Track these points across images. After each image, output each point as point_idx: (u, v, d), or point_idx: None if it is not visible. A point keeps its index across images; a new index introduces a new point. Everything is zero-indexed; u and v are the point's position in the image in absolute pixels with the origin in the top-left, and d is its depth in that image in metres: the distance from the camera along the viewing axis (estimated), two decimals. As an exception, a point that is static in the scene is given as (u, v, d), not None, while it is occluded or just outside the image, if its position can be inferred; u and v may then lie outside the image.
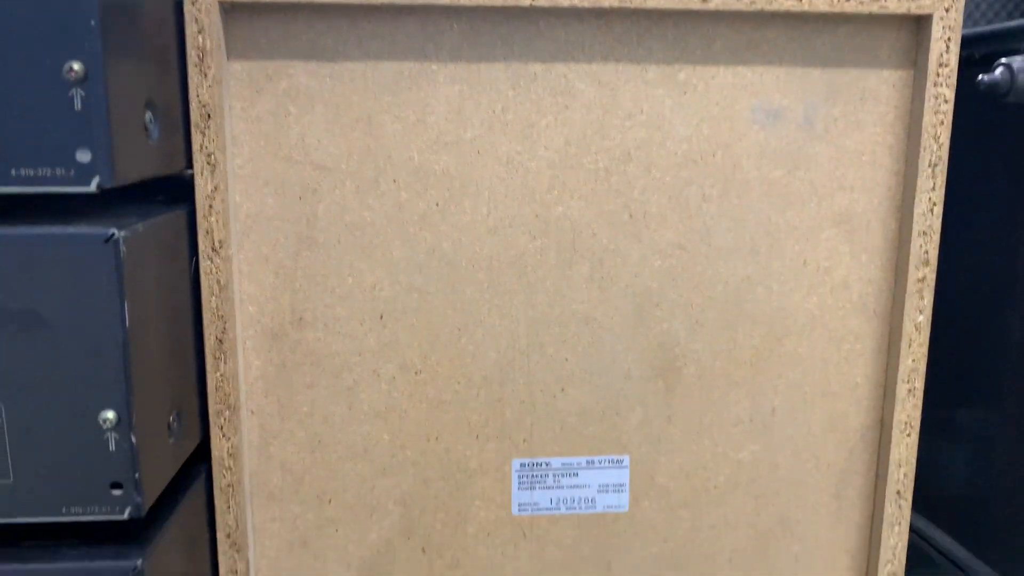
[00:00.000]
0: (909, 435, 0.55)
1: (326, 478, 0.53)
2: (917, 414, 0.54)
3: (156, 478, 0.43)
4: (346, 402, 0.53)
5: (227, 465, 0.51)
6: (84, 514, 0.40)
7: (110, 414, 0.39)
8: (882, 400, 0.55)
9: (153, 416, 0.42)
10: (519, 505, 0.55)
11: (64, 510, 0.40)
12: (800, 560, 0.57)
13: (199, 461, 0.53)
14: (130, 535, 0.42)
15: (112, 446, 0.40)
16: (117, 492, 0.40)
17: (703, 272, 0.53)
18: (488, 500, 0.55)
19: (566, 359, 0.53)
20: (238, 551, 0.52)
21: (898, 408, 0.54)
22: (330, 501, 0.54)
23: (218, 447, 0.51)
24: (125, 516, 0.40)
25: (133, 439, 0.40)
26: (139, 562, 0.40)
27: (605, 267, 0.52)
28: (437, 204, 0.51)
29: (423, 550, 0.55)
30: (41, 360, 0.39)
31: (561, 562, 0.56)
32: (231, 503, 0.52)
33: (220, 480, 0.52)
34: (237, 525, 0.52)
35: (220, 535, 0.52)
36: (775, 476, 0.56)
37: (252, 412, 0.52)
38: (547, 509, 0.55)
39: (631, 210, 0.52)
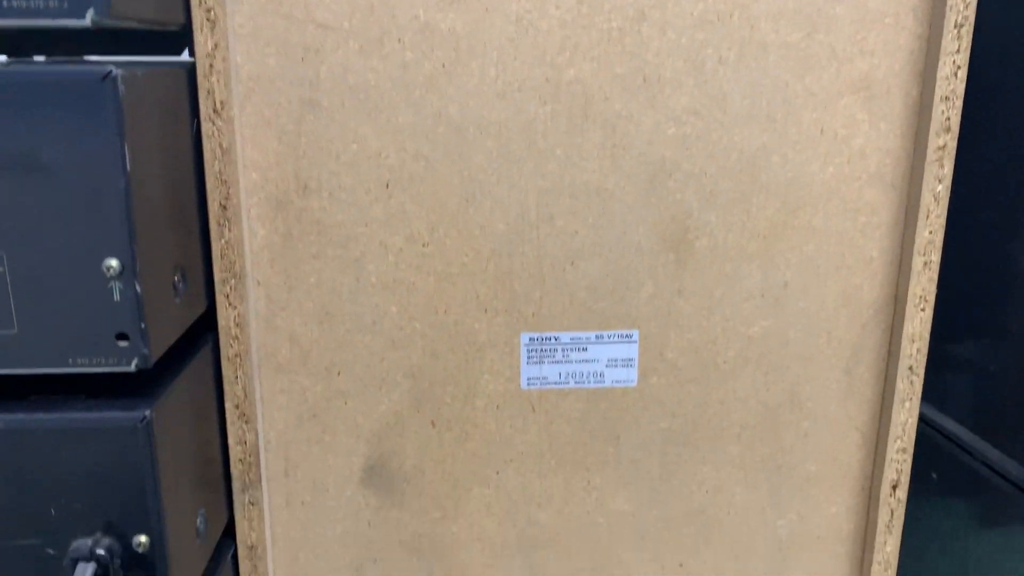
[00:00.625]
0: (923, 309, 0.54)
1: (334, 350, 0.53)
2: (932, 288, 0.54)
3: (162, 333, 0.42)
4: (353, 274, 0.52)
5: (234, 335, 0.51)
6: (90, 365, 0.40)
7: (113, 262, 0.39)
8: (897, 274, 0.55)
9: (157, 269, 0.42)
10: (528, 379, 0.55)
11: (70, 361, 0.40)
12: (809, 436, 0.57)
13: (206, 330, 0.52)
14: (138, 389, 0.42)
15: (117, 295, 0.39)
16: (123, 343, 0.40)
17: (718, 140, 0.52)
18: (497, 374, 0.54)
19: (576, 231, 0.52)
20: (247, 422, 0.52)
21: (913, 282, 0.54)
22: (339, 373, 0.54)
23: (224, 316, 0.51)
24: (132, 368, 0.40)
25: (137, 288, 0.39)
26: (147, 413, 0.40)
27: (618, 134, 0.51)
28: (443, 65, 0.49)
29: (432, 423, 0.55)
30: (41, 205, 0.38)
31: (569, 436, 0.56)
32: (239, 373, 0.52)
33: (227, 350, 0.51)
34: (245, 395, 0.52)
35: (228, 405, 0.52)
36: (786, 351, 0.55)
37: (258, 283, 0.52)
38: (556, 383, 0.55)
39: (645, 74, 0.50)
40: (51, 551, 0.41)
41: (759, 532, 0.59)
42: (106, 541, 0.41)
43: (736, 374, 0.56)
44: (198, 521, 0.48)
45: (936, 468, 0.68)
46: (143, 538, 0.42)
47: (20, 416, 0.40)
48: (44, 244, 0.38)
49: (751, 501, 0.58)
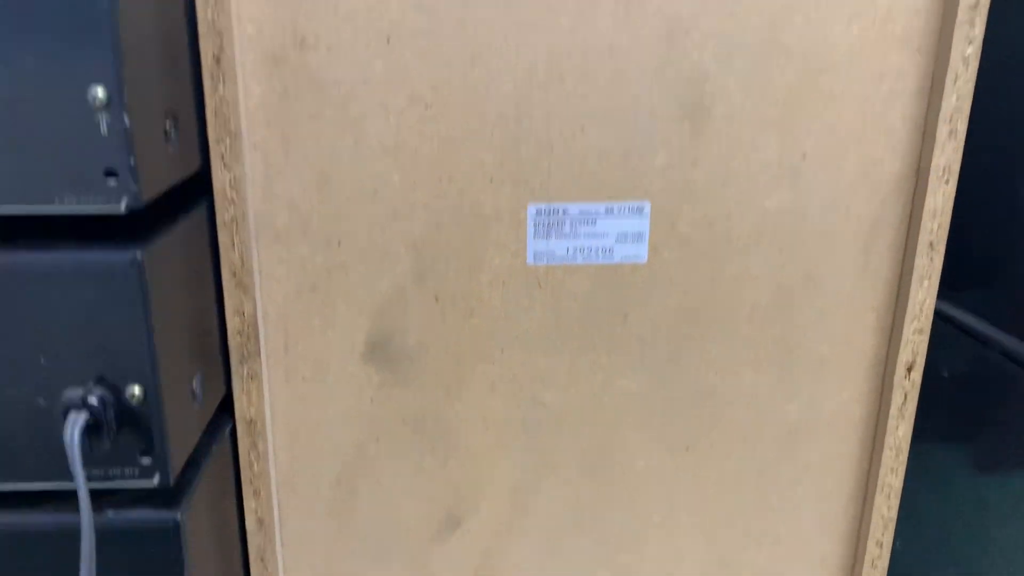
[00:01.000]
0: (947, 182, 0.52)
1: (335, 219, 0.51)
2: (957, 158, 0.51)
3: (153, 175, 0.40)
4: (353, 136, 0.50)
5: (230, 198, 0.49)
6: (78, 204, 0.38)
7: (99, 91, 0.36)
8: (920, 145, 0.52)
9: (146, 108, 0.39)
10: (534, 254, 0.53)
11: (56, 199, 0.38)
12: (824, 316, 0.55)
13: (201, 194, 0.50)
14: (129, 233, 0.40)
15: (104, 128, 0.37)
16: (112, 181, 0.38)
17: (738, -4, 0.49)
18: (503, 248, 0.52)
19: (586, 94, 0.50)
20: (244, 291, 0.51)
21: (937, 152, 0.51)
22: (339, 244, 0.52)
23: (219, 178, 0.49)
24: (122, 207, 0.38)
25: (126, 120, 0.37)
26: (139, 254, 0.38)
27: (632, -12, 0.48)
28: (449, -90, 0.46)
29: (436, 298, 0.53)
30: (21, 24, 0.35)
31: (576, 313, 0.54)
32: (235, 239, 0.50)
33: (223, 214, 0.49)
34: (243, 263, 0.50)
35: (225, 273, 0.50)
36: (802, 226, 0.53)
37: (255, 146, 0.49)
38: (563, 259, 0.53)
39: (662, -78, 0.47)
40: (42, 401, 0.40)
41: (768, 416, 0.57)
42: (99, 391, 0.40)
43: (750, 250, 0.54)
44: (194, 383, 0.47)
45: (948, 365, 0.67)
46: (136, 389, 0.40)
47: (4, 258, 0.38)
48: (24, 67, 0.36)
49: (761, 384, 0.57)
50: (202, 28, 0.45)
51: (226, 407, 0.54)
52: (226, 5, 0.46)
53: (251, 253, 0.50)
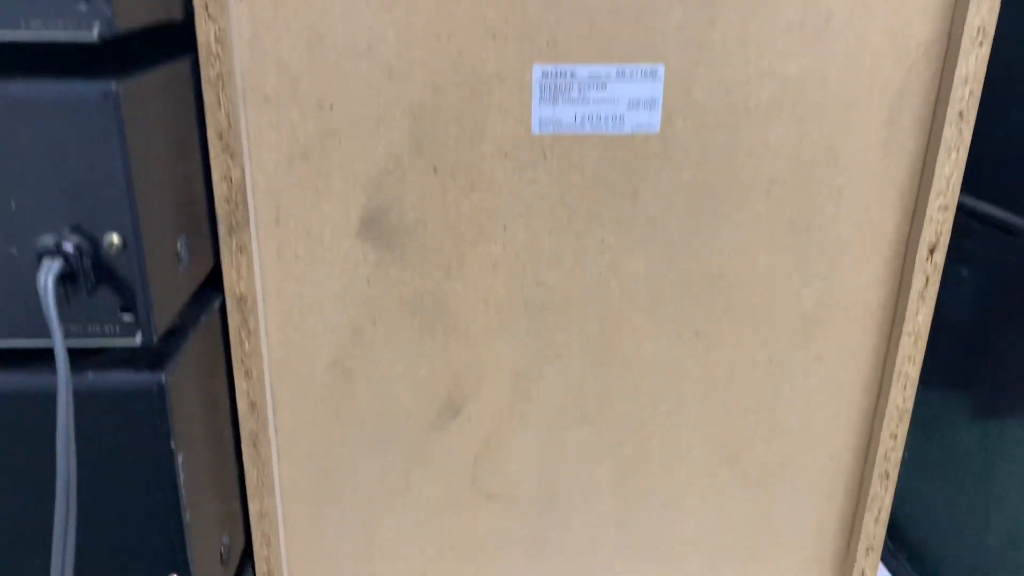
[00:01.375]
0: (982, 44, 0.49)
1: (326, 80, 0.48)
2: (993, 20, 0.48)
3: (130, 5, 0.37)
4: (346, -12, 0.46)
5: (215, 52, 0.46)
6: (46, 29, 0.35)
7: None
8: (953, 5, 0.49)
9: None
10: (540, 121, 0.50)
11: (23, 24, 0.35)
12: (843, 193, 0.53)
13: (185, 51, 0.47)
14: (104, 67, 0.37)
15: (70, -60, 0.34)
16: (82, 5, 0.35)
17: None
18: (506, 113, 0.49)
19: (598, -58, 0.46)
20: (232, 156, 0.48)
21: (971, 12, 0.48)
22: (331, 108, 0.49)
23: (203, 30, 0.45)
24: (94, 35, 0.35)
25: (94, -69, 0.34)
26: (114, 86, 0.35)
27: None
28: None
29: (434, 169, 0.50)
30: None
31: (583, 189, 0.51)
32: (221, 98, 0.47)
33: (208, 71, 0.46)
34: (229, 125, 0.47)
35: (211, 135, 0.47)
36: (824, 95, 0.50)
37: (240, -6, 0.46)
38: (570, 128, 0.50)
39: None
40: (14, 250, 0.38)
41: (782, 300, 0.55)
42: (74, 238, 0.37)
43: (769, 120, 0.51)
44: (179, 245, 0.44)
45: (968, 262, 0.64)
46: (115, 237, 0.38)
47: (-31, 84, 0.35)
48: None
49: (775, 265, 0.54)
50: None
51: (215, 283, 0.52)
52: None
53: (238, 115, 0.47)
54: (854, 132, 0.51)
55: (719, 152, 0.51)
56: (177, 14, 0.45)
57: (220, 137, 0.47)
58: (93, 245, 0.38)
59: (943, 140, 0.50)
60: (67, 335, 0.39)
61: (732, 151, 0.51)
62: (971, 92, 0.50)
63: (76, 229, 0.37)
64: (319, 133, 0.49)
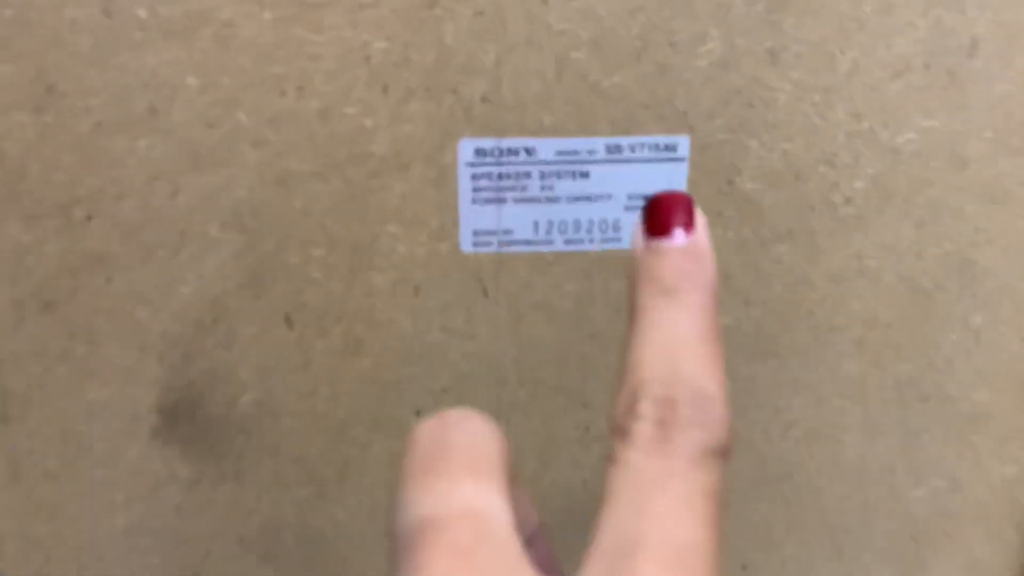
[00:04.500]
0: None
1: (78, 171, 0.26)
2: None
3: None
4: (99, -1, 0.25)
5: None
6: None
7: None
8: None
9: None
10: (474, 234, 0.28)
11: None
12: (982, 339, 0.31)
13: None
14: None
15: None
16: None
17: None
18: (411, 224, 0.28)
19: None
20: None
21: None
22: (89, 219, 0.26)
23: None
24: None
25: None
26: None
27: None
28: None
29: (286, 319, 0.28)
30: None
31: (552, 346, 0.30)
32: None
33: None
34: None
35: None
36: (960, 179, 0.29)
37: None
38: (528, 242, 0.28)
39: None
40: None
41: (882, 508, 0.33)
42: None
43: (866, 223, 0.30)
44: None
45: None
46: None
47: None
48: None
49: (872, 455, 0.33)
50: None
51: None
52: None
53: None
54: (1005, 239, 0.30)
55: (783, 277, 0.30)
56: None
57: None
58: None
59: None
60: None
61: (805, 275, 0.30)
62: None
63: None
64: (71, 264, 0.27)
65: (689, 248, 0.19)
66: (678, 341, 0.17)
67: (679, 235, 0.19)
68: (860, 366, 0.31)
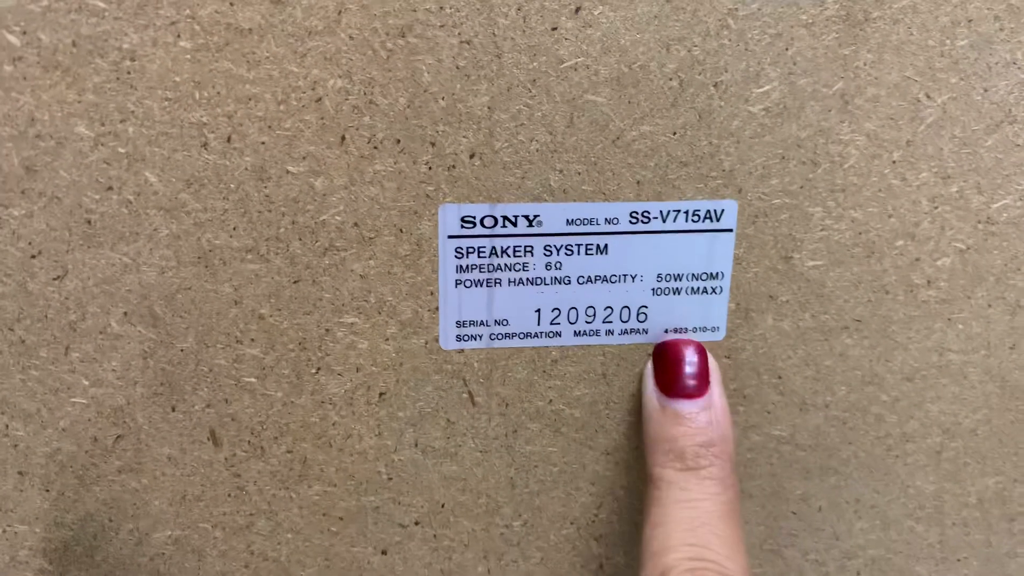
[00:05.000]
0: None
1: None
2: None
3: None
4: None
5: None
6: None
7: None
8: None
9: None
10: (457, 325, 0.21)
11: None
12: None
13: None
14: None
15: None
16: None
17: None
18: (374, 314, 0.21)
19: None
20: None
21: None
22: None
23: None
24: None
25: None
26: None
27: None
28: None
29: (212, 436, 0.22)
30: None
31: (561, 463, 0.24)
32: None
33: None
34: None
35: None
36: None
37: None
38: (530, 335, 0.22)
39: None
40: None
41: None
42: None
43: (957, 305, 0.24)
44: None
45: None
46: None
47: None
48: None
49: (950, 590, 0.27)
50: None
51: None
52: None
53: None
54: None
55: (848, 376, 0.24)
56: None
57: None
58: None
59: None
60: None
61: (874, 373, 0.24)
62: None
63: None
64: (-82, 368, 0.20)
65: (705, 412, 0.20)
66: (701, 522, 0.18)
67: (694, 396, 0.20)
68: (937, 482, 0.25)
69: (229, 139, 0.20)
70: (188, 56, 0.19)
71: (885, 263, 0.23)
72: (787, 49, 0.21)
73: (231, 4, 0.19)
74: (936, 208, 0.22)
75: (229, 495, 0.22)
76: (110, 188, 0.20)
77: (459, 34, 0.20)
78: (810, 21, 0.21)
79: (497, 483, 0.23)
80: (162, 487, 0.22)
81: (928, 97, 0.22)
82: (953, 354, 0.24)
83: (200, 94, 0.19)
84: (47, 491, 0.22)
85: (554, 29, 0.20)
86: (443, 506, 0.23)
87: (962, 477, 0.25)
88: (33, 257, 0.20)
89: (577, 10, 0.20)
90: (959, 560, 0.27)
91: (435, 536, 0.23)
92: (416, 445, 0.22)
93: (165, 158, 0.19)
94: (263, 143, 0.20)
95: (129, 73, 0.19)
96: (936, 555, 0.26)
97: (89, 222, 0.20)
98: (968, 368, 0.24)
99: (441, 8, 0.19)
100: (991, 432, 0.25)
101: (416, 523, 0.23)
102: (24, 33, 0.19)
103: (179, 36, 0.19)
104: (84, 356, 0.21)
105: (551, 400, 0.23)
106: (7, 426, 0.21)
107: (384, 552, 0.23)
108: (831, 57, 0.21)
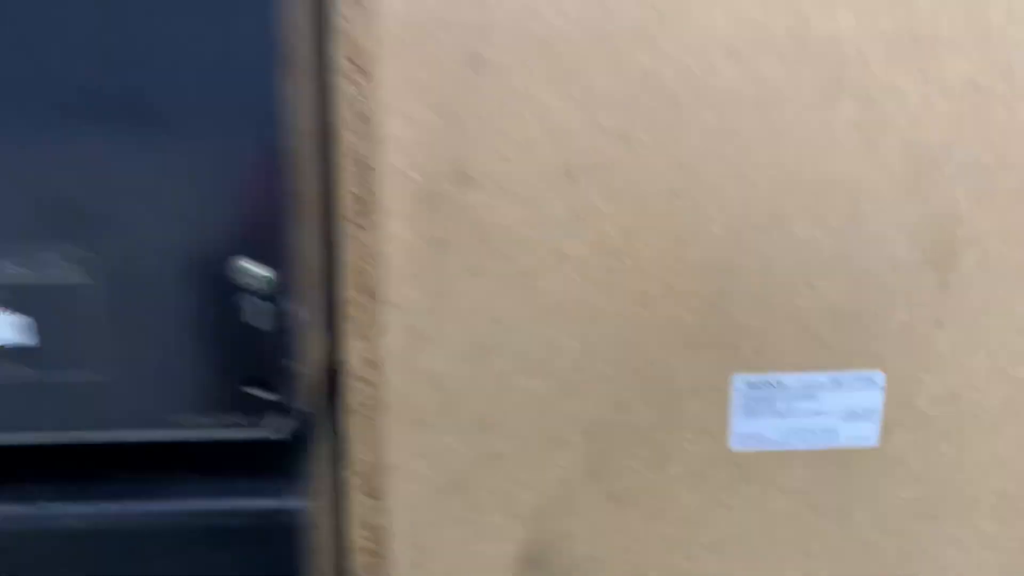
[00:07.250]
0: None
1: (489, 398, 0.39)
2: None
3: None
4: (519, 293, 0.39)
5: (363, 376, 0.37)
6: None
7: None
8: None
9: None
10: (739, 437, 0.41)
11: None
12: (1087, 507, 0.44)
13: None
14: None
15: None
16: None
17: (1001, 122, 0.40)
18: (700, 431, 0.41)
19: (814, 238, 0.40)
20: (377, 498, 0.38)
21: None
22: (493, 429, 0.40)
23: (355, 350, 0.37)
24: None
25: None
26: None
27: (876, 110, 0.39)
28: (657, 11, 0.37)
29: (610, 496, 0.41)
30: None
31: (787, 511, 0.42)
32: (369, 430, 0.38)
33: (354, 397, 0.37)
34: (376, 459, 0.38)
35: (353, 478, 0.38)
36: (1065, 398, 0.43)
37: (397, 306, 0.38)
38: (775, 443, 0.42)
39: (915, 31, 0.38)
40: None
41: (1015, 634, 0.46)
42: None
43: (999, 428, 0.43)
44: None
45: None
46: None
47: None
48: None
49: (1007, 593, 0.45)
50: (346, 161, 0.35)
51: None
52: (374, 130, 0.35)
53: (385, 445, 0.38)
54: (1096, 438, 0.44)
55: (944, 466, 0.43)
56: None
57: (364, 478, 0.38)
58: None
59: None
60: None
61: (958, 463, 0.43)
62: None
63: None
64: (476, 458, 0.40)
65: None
66: None
67: None
68: (995, 526, 0.44)
69: (637, 345, 0.39)
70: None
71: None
72: (911, 297, 0.41)
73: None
74: None
75: (622, 539, 0.41)
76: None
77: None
78: None
79: (754, 518, 0.42)
80: (583, 527, 0.41)
81: None
82: None
83: (629, 320, 0.39)
84: (525, 527, 0.41)
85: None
86: (720, 536, 0.42)
87: None
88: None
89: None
90: None
91: None
92: (712, 501, 0.41)
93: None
94: (657, 345, 0.40)
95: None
96: None
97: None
98: None
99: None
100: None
101: (711, 545, 0.42)
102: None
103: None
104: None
105: (789, 476, 0.42)
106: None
107: (688, 557, 0.42)
108: None
